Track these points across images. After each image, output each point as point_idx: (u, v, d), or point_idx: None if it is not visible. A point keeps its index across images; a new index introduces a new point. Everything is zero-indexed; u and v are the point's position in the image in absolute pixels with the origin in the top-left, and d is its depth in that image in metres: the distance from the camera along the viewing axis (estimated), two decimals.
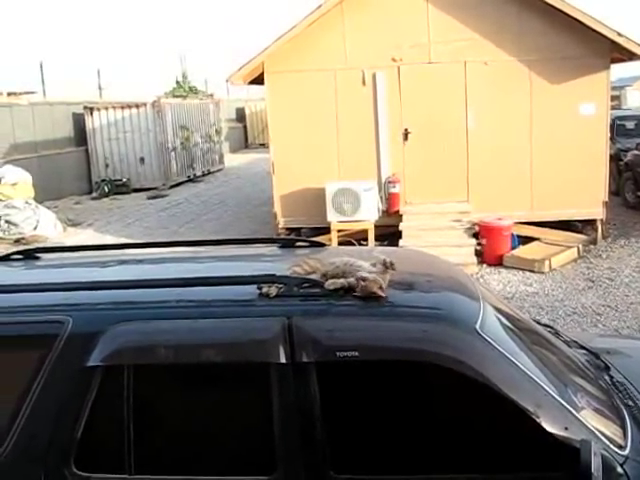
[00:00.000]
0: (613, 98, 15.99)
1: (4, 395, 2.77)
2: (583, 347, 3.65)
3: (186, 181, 23.14)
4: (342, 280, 2.82)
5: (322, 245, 3.88)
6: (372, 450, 2.71)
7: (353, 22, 11.44)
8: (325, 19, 11.32)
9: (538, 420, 2.57)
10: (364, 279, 2.74)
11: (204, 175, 24.95)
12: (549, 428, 2.57)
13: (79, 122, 21.71)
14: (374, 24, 11.37)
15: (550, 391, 2.66)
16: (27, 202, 14.74)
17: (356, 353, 2.61)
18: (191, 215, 16.75)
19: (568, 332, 4.52)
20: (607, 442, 2.64)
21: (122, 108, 21.75)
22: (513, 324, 3.19)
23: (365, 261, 2.94)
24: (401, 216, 11.43)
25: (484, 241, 10.74)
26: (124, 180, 21.39)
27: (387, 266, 2.86)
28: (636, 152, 14.59)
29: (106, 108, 21.72)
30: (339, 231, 11.25)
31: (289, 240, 4.10)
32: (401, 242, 10.77)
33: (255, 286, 2.84)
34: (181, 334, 2.73)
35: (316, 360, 2.62)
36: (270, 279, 2.87)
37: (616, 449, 2.64)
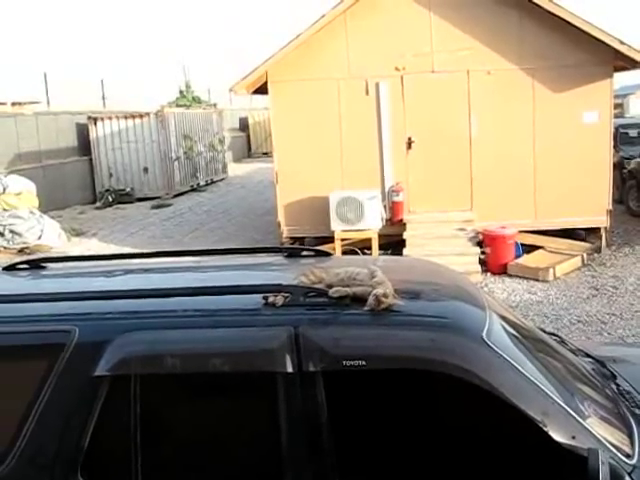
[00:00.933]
0: (616, 106, 15.97)
1: (11, 404, 2.77)
2: (589, 355, 3.64)
3: (189, 190, 23.19)
4: (346, 288, 2.82)
5: (328, 254, 3.88)
6: (379, 459, 2.70)
7: (356, 31, 11.48)
8: (328, 28, 11.36)
9: (545, 429, 2.56)
10: (386, 295, 2.73)
11: (207, 184, 24.99)
12: (556, 437, 2.56)
13: (83, 132, 21.80)
14: (377, 33, 11.42)
15: (557, 399, 2.66)
16: (31, 212, 14.76)
17: (363, 362, 2.60)
18: (195, 224, 16.78)
19: (573, 340, 4.51)
20: (615, 451, 2.63)
21: (126, 118, 21.83)
22: (519, 332, 3.18)
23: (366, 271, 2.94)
24: (405, 225, 11.44)
25: (488, 250, 10.75)
26: (128, 190, 21.45)
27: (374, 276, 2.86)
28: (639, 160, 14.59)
29: (110, 118, 21.81)
30: (343, 240, 11.25)
31: (295, 249, 4.10)
32: (405, 251, 10.77)
33: (261, 295, 2.84)
34: (188, 343, 2.73)
35: (323, 369, 2.62)
36: (276, 288, 2.87)
37: (624, 458, 2.63)
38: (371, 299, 2.72)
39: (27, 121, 19.64)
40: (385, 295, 2.72)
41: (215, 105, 31.00)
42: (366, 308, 2.73)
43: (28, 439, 2.67)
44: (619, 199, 14.46)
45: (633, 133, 17.00)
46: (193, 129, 24.15)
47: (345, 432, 2.67)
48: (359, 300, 2.80)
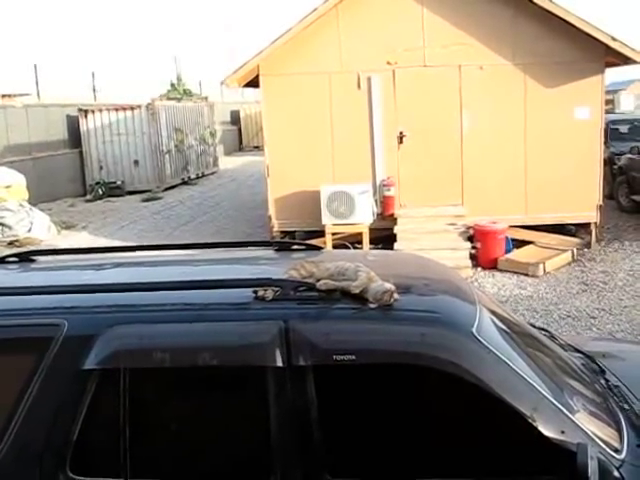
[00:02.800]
0: (607, 102, 16.02)
1: None
2: (578, 350, 3.65)
3: (180, 184, 23.13)
4: (336, 282, 2.82)
5: (318, 248, 3.87)
6: (369, 454, 2.70)
7: (348, 25, 11.45)
8: (320, 22, 11.33)
9: (535, 423, 2.57)
10: (391, 291, 2.73)
11: (198, 178, 24.94)
12: (546, 431, 2.57)
13: (73, 124, 21.68)
14: (369, 27, 11.39)
15: (546, 394, 2.66)
16: (21, 204, 14.69)
17: (353, 357, 2.60)
18: (185, 218, 16.73)
19: (563, 336, 4.53)
20: (603, 446, 2.63)
21: (116, 110, 21.73)
22: (509, 327, 3.19)
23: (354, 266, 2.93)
24: (396, 219, 11.43)
25: (479, 244, 10.76)
26: (118, 182, 21.37)
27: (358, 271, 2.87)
28: (630, 156, 14.65)
29: (100, 110, 21.70)
30: (334, 234, 11.24)
31: (285, 243, 4.08)
32: (396, 245, 10.77)
33: (251, 289, 2.83)
34: (177, 337, 2.73)
35: (313, 364, 2.61)
36: (266, 282, 2.86)
37: (612, 453, 2.64)
38: (386, 296, 2.71)
39: (17, 113, 19.53)
40: (391, 291, 2.73)
41: (206, 98, 30.92)
42: (373, 305, 2.72)
43: (16, 432, 2.66)
44: (609, 195, 14.51)
45: (624, 129, 17.08)
46: (184, 122, 24.08)
47: (335, 427, 2.67)
48: (348, 294, 2.80)
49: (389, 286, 2.75)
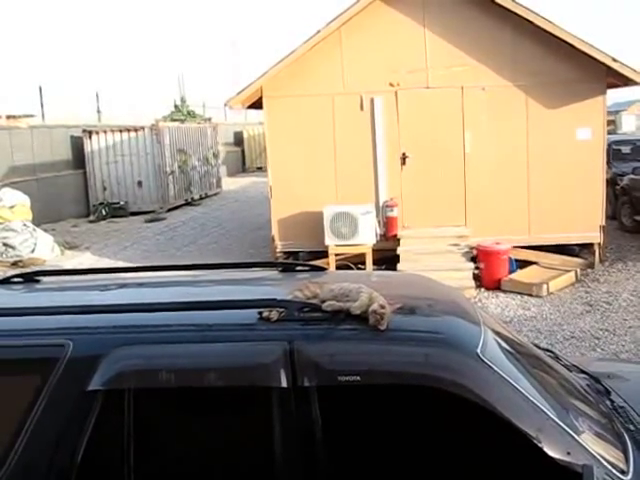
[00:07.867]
0: (608, 123, 16.07)
1: (4, 419, 2.75)
2: (583, 371, 3.64)
3: (184, 204, 23.20)
4: (340, 303, 2.82)
5: (323, 269, 3.88)
6: (373, 475, 2.69)
7: (351, 47, 11.54)
8: (323, 44, 11.42)
9: (540, 445, 2.55)
10: (382, 307, 2.73)
11: (202, 199, 25.01)
12: (551, 453, 2.55)
13: (77, 145, 21.79)
14: (372, 49, 11.48)
15: (552, 415, 2.65)
16: (25, 225, 14.73)
17: (357, 378, 2.60)
18: (189, 238, 16.76)
19: (567, 356, 4.51)
20: (609, 467, 2.62)
21: (120, 132, 21.85)
22: (514, 348, 3.18)
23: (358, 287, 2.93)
24: (399, 240, 11.45)
25: (482, 265, 10.76)
26: (122, 203, 21.44)
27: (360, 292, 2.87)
28: (632, 176, 14.67)
29: (104, 132, 21.82)
30: (337, 255, 11.25)
31: (289, 264, 4.09)
32: (399, 266, 10.77)
33: (256, 310, 2.84)
34: (182, 358, 2.72)
35: (317, 384, 2.61)
36: (271, 303, 2.86)
37: (618, 474, 2.63)
38: (371, 318, 2.71)
39: (22, 134, 19.64)
40: (382, 306, 2.72)
41: (210, 119, 31.11)
42: (371, 323, 2.73)
43: (21, 454, 2.65)
44: (612, 215, 14.53)
45: (626, 150, 17.12)
46: (188, 143, 24.19)
47: (339, 448, 2.66)
48: (353, 316, 2.80)
49: (381, 301, 2.75)
